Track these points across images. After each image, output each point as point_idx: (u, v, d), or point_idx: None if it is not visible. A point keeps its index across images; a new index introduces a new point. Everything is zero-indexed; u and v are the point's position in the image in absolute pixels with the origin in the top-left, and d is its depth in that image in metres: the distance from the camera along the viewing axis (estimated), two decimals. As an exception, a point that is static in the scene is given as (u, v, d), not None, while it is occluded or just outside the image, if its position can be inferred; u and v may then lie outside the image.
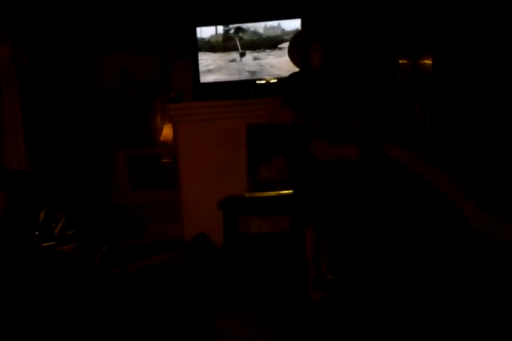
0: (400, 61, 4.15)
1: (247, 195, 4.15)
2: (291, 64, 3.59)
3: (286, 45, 3.77)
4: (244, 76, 4.42)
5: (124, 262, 2.46)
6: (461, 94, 4.17)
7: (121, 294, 2.28)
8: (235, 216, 4.32)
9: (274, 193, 4.11)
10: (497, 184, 3.89)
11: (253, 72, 4.41)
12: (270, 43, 4.37)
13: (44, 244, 2.47)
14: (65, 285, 2.16)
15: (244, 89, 4.42)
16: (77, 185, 4.53)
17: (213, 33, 4.40)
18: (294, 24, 4.33)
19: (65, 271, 2.22)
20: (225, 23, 4.39)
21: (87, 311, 2.18)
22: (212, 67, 4.42)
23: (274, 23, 4.36)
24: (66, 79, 4.67)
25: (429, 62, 4.12)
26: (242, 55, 4.41)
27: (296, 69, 3.54)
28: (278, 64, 4.36)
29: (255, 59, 4.41)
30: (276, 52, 4.37)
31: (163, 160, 4.84)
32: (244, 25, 4.38)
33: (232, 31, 4.38)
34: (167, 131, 4.88)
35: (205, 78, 4.42)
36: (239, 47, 4.39)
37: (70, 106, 4.71)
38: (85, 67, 4.77)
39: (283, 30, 4.36)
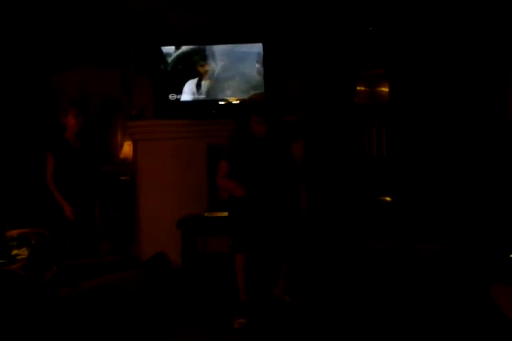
0: (358, 88, 4.27)
1: (206, 214, 4.13)
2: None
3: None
4: (207, 96, 4.45)
5: (76, 281, 2.42)
6: (416, 121, 4.31)
7: (71, 313, 2.23)
8: (194, 235, 4.29)
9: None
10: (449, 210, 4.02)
11: (215, 92, 4.44)
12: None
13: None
14: (10, 303, 2.10)
15: (206, 109, 4.44)
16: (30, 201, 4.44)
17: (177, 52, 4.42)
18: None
19: (9, 289, 2.16)
20: (189, 44, 4.41)
21: (34, 330, 2.13)
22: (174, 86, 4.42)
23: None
24: (24, 94, 4.61)
25: (385, 89, 4.25)
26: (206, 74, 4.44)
27: None
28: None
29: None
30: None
31: (122, 178, 4.78)
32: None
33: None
34: (127, 149, 4.83)
35: (167, 96, 4.42)
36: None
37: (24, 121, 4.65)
38: (44, 81, 4.72)
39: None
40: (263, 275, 3.83)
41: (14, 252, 2.55)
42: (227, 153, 3.44)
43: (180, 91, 4.42)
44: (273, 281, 3.67)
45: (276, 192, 3.40)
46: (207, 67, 4.41)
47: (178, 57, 4.41)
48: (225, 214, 4.04)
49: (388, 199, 4.21)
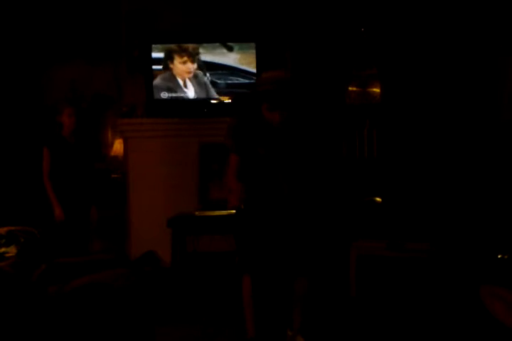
0: (350, 88, 4.29)
1: (197, 213, 4.13)
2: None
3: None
4: (198, 94, 4.44)
5: (64, 280, 2.41)
6: (408, 122, 4.33)
7: (59, 312, 2.22)
8: (184, 234, 4.28)
9: (224, 212, 4.09)
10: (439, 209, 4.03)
11: (207, 91, 4.43)
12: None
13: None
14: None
15: (197, 108, 4.43)
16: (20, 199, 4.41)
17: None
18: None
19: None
20: (181, 42, 4.40)
21: (23, 328, 2.12)
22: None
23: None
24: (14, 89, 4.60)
25: (377, 90, 4.27)
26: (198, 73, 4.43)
27: None
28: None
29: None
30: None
31: (113, 176, 4.77)
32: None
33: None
34: (118, 146, 4.82)
35: (159, 94, 4.41)
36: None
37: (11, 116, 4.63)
38: (35, 76, 4.70)
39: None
40: (275, 306, 3.45)
41: (2, 250, 2.54)
42: (234, 142, 2.99)
43: (171, 90, 4.40)
44: (286, 316, 3.17)
45: (288, 198, 3.02)
46: (198, 65, 4.40)
47: (170, 54, 4.40)
48: (215, 213, 4.05)
49: (379, 199, 4.23)
